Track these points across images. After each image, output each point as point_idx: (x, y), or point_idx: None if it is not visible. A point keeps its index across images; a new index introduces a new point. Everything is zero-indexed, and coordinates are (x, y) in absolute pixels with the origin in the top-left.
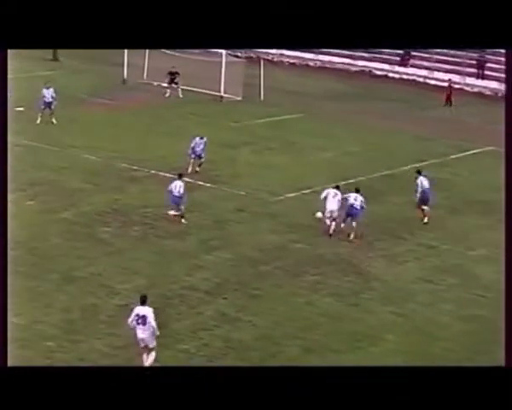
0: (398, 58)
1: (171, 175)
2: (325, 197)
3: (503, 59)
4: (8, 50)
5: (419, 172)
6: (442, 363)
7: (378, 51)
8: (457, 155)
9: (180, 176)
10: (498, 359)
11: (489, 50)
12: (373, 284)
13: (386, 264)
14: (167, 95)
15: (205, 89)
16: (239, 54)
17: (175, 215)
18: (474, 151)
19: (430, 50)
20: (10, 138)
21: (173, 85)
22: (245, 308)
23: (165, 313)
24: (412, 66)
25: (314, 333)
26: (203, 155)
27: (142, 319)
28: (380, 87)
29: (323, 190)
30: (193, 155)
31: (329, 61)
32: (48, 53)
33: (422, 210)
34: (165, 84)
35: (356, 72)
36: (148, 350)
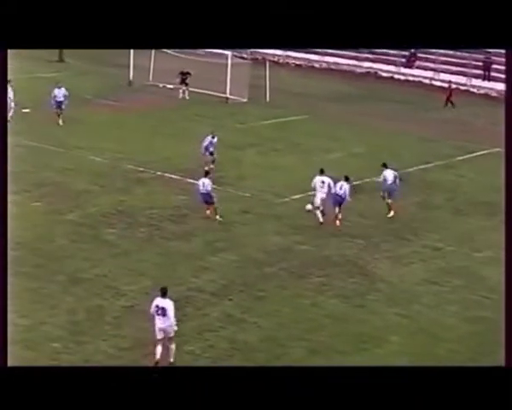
0: (403, 60)
1: (176, 177)
2: (314, 186)
3: None
4: (15, 52)
5: (385, 166)
6: (447, 365)
7: (384, 53)
8: (463, 157)
9: (206, 173)
10: (504, 360)
11: (495, 52)
12: (378, 285)
13: (391, 265)
14: (181, 96)
15: (210, 90)
16: (245, 55)
17: (211, 211)
18: (480, 153)
19: (436, 51)
20: (16, 140)
21: (183, 86)
22: (250, 310)
23: None
24: (418, 67)
25: (319, 335)
26: (215, 153)
27: (162, 311)
28: (385, 89)
29: (313, 177)
30: (207, 153)
31: (335, 63)
32: (54, 54)
33: (387, 204)
34: (177, 85)
35: (361, 73)
36: (168, 340)
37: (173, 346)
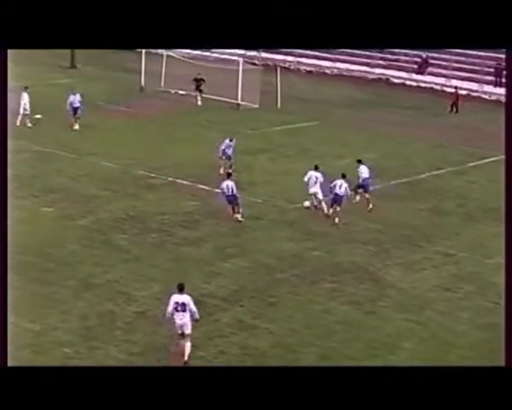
0: (415, 66)
1: (188, 182)
2: (308, 181)
3: None
4: (27, 60)
5: (359, 162)
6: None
7: (395, 59)
8: (475, 163)
9: (228, 175)
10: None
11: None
12: (390, 291)
13: (402, 272)
14: (200, 103)
15: (222, 96)
16: (256, 62)
17: (236, 213)
18: (492, 159)
19: (448, 58)
20: (28, 145)
21: (197, 93)
22: (261, 316)
23: None
24: (429, 74)
25: (331, 341)
26: (233, 156)
27: (182, 306)
28: (396, 95)
29: (307, 172)
30: (224, 157)
31: (346, 69)
32: (66, 60)
33: (367, 199)
34: (190, 91)
35: (373, 79)
36: (184, 337)
37: (189, 344)
